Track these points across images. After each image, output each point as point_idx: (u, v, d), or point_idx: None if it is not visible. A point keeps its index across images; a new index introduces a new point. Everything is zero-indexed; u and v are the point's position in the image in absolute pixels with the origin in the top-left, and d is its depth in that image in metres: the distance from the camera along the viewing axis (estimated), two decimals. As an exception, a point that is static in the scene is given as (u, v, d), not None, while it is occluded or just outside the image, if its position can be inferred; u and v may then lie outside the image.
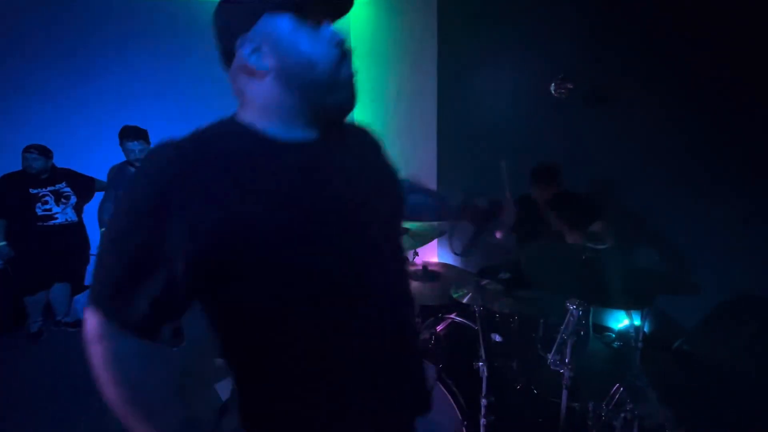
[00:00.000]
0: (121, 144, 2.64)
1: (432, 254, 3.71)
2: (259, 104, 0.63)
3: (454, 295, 1.71)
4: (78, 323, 3.18)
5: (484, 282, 1.81)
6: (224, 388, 2.35)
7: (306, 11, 0.60)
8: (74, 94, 3.38)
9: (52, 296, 3.10)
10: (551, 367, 1.52)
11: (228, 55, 0.64)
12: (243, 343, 0.64)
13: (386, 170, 0.82)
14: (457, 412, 1.55)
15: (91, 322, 0.57)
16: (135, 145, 2.60)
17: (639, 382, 1.80)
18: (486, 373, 1.55)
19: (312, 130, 0.66)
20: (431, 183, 3.61)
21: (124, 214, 0.56)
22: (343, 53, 0.65)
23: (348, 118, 0.72)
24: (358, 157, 0.73)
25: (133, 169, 2.68)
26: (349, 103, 0.68)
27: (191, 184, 0.54)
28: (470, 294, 1.68)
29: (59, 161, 2.97)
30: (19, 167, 2.83)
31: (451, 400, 1.56)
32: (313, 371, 0.63)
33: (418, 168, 3.71)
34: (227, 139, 0.61)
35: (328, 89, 0.63)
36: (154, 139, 3.54)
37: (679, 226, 2.37)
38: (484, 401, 1.55)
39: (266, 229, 0.56)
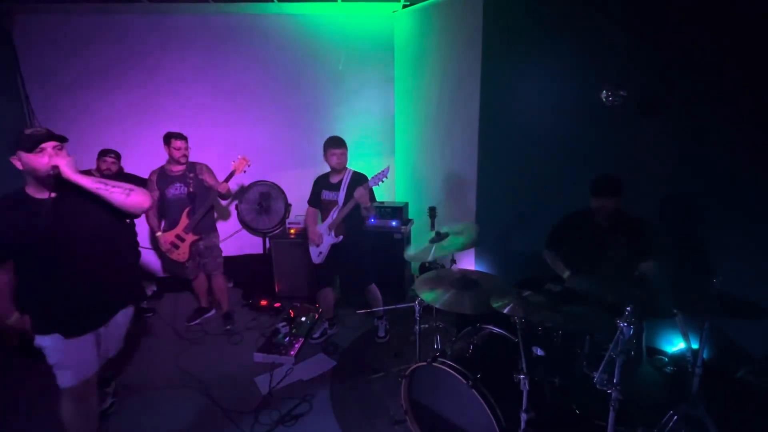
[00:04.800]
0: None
1: (469, 263, 3.66)
2: (27, 181, 1.55)
3: (494, 305, 1.68)
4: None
5: (526, 293, 1.76)
6: (263, 382, 2.46)
7: (31, 150, 1.48)
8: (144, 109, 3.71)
9: None
10: (597, 386, 1.45)
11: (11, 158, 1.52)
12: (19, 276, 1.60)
13: (86, 200, 1.59)
14: (494, 424, 1.52)
15: None
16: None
17: (696, 411, 1.67)
18: (527, 387, 1.50)
19: (47, 192, 1.51)
20: (471, 190, 3.57)
21: None
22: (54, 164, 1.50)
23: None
24: (77, 196, 1.57)
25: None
26: (59, 183, 1.50)
27: None
28: (511, 305, 1.65)
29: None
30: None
31: (489, 412, 1.53)
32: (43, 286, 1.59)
33: (457, 174, 3.69)
34: (15, 195, 1.56)
35: (44, 178, 1.50)
36: (225, 143, 3.78)
37: (739, 243, 2.18)
38: (524, 416, 1.51)
39: (19, 242, 1.50)
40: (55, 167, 1.46)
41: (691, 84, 2.26)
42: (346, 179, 2.73)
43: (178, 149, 2.91)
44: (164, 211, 3.02)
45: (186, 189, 2.97)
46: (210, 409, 2.26)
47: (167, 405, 2.30)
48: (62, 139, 1.53)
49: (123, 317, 1.84)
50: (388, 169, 2.59)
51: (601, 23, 2.59)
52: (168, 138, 2.93)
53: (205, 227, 3.06)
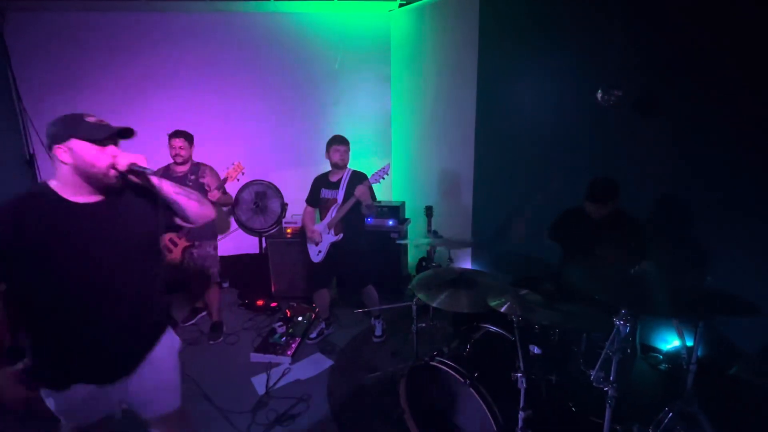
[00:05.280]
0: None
1: (466, 262, 3.67)
2: (62, 180, 1.16)
3: (491, 304, 1.68)
4: None
5: (523, 292, 1.77)
6: (260, 383, 2.45)
7: (97, 142, 1.14)
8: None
9: None
10: (594, 384, 1.46)
11: (49, 147, 1.15)
12: (29, 316, 1.18)
13: (144, 208, 1.29)
14: (492, 422, 1.52)
15: None
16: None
17: (691, 408, 1.69)
18: (524, 385, 1.51)
19: (90, 196, 1.19)
20: (467, 189, 3.57)
21: None
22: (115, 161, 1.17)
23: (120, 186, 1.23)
24: (122, 206, 1.24)
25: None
26: (113, 186, 1.20)
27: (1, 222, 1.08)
28: (508, 303, 1.65)
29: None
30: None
31: (486, 410, 1.54)
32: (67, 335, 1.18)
33: (454, 173, 3.70)
34: (39, 195, 1.15)
35: (100, 178, 1.16)
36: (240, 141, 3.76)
37: (737, 241, 2.21)
38: (522, 414, 1.51)
39: (41, 253, 1.10)
40: (133, 164, 1.16)
41: (688, 84, 2.28)
42: (346, 177, 2.73)
43: (173, 148, 2.84)
44: None
45: None
46: (206, 409, 2.24)
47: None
48: (131, 134, 1.21)
49: (163, 351, 1.37)
50: (388, 165, 2.60)
51: (598, 23, 2.60)
52: (169, 136, 2.87)
53: (199, 233, 2.87)
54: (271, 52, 3.84)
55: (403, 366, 2.38)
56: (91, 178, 1.15)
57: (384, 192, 4.15)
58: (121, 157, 1.17)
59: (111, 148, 1.17)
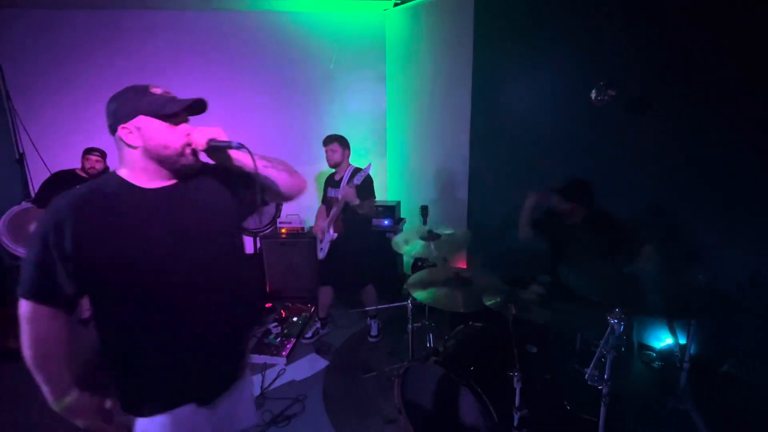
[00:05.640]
0: None
1: (461, 261, 3.67)
2: (131, 165, 0.97)
3: (487, 303, 1.68)
4: None
5: (518, 291, 1.77)
6: (255, 384, 2.43)
7: (168, 118, 0.95)
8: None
9: None
10: (588, 382, 1.46)
11: (112, 129, 0.95)
12: (111, 326, 0.98)
13: (223, 192, 1.09)
14: (488, 421, 1.52)
15: (23, 305, 0.91)
16: None
17: (684, 405, 1.70)
18: (520, 384, 1.51)
19: (165, 180, 0.99)
20: (462, 189, 3.58)
21: (34, 237, 0.90)
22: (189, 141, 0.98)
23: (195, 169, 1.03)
24: (199, 191, 1.04)
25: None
26: (190, 167, 1.00)
27: (67, 225, 0.88)
28: (504, 302, 1.66)
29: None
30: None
31: (482, 409, 1.54)
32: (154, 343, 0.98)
33: (449, 173, 3.70)
34: (106, 187, 0.96)
35: (175, 160, 0.97)
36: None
37: (729, 241, 2.23)
38: (517, 413, 1.52)
39: (120, 257, 0.91)
40: (212, 140, 0.96)
41: (684, 83, 2.29)
42: (346, 176, 2.74)
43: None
44: None
45: None
46: (201, 411, 2.22)
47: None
48: (204, 108, 1.02)
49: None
50: (369, 165, 2.62)
51: (593, 21, 2.61)
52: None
53: None
54: (266, 51, 3.81)
55: (398, 366, 2.37)
56: (164, 162, 0.96)
57: (380, 191, 4.14)
58: (196, 133, 0.97)
59: (183, 126, 0.98)
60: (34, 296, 0.90)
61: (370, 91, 4.06)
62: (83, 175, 3.11)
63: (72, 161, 3.07)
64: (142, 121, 0.93)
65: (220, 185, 1.08)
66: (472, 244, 3.58)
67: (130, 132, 0.93)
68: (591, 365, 1.46)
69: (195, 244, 0.99)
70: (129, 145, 0.94)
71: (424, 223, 2.88)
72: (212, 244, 1.02)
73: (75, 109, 3.58)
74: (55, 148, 3.51)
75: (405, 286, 2.00)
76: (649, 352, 2.53)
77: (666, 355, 2.45)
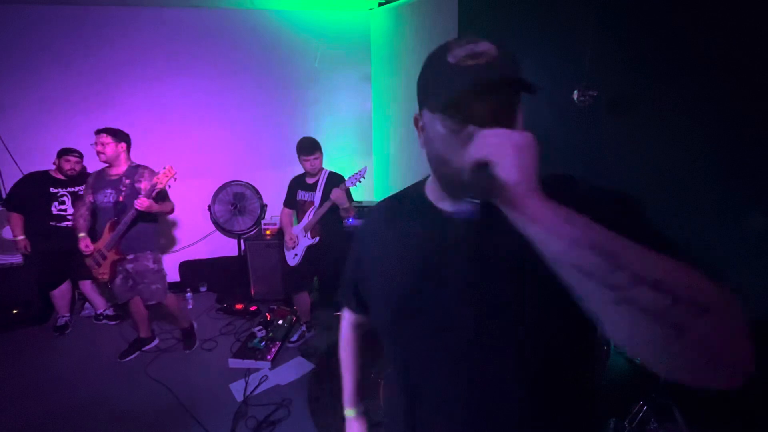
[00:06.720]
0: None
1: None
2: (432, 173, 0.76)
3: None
4: (117, 317, 3.29)
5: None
6: (239, 389, 2.39)
7: (452, 116, 0.62)
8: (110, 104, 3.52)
9: (84, 291, 3.21)
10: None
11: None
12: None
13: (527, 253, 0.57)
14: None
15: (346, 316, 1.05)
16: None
17: (664, 400, 1.73)
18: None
19: (464, 207, 0.58)
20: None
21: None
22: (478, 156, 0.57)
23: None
24: (501, 235, 0.62)
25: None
26: (486, 195, 0.57)
27: (363, 237, 0.87)
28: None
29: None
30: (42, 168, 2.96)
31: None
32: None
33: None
34: (403, 203, 0.83)
35: (459, 182, 0.58)
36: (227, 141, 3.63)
37: (709, 240, 2.28)
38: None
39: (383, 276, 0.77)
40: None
41: (672, 82, 2.33)
42: (323, 180, 2.69)
43: (96, 144, 2.43)
44: (95, 221, 2.61)
45: (115, 197, 2.48)
46: (183, 418, 2.17)
47: (139, 416, 2.20)
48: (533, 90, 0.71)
49: None
50: (365, 169, 2.57)
51: (578, 20, 2.64)
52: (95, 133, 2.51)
53: (132, 246, 2.54)
54: (249, 50, 3.75)
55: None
56: (444, 178, 0.71)
57: (365, 192, 4.13)
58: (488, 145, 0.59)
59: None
60: None
61: (355, 90, 4.03)
62: (58, 176, 3.00)
63: (45, 162, 2.96)
64: (426, 116, 0.76)
65: None
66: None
67: (421, 128, 0.78)
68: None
69: (499, 278, 0.69)
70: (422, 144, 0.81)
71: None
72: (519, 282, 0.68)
73: (52, 109, 3.46)
74: (33, 149, 3.38)
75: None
76: (630, 348, 2.58)
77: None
